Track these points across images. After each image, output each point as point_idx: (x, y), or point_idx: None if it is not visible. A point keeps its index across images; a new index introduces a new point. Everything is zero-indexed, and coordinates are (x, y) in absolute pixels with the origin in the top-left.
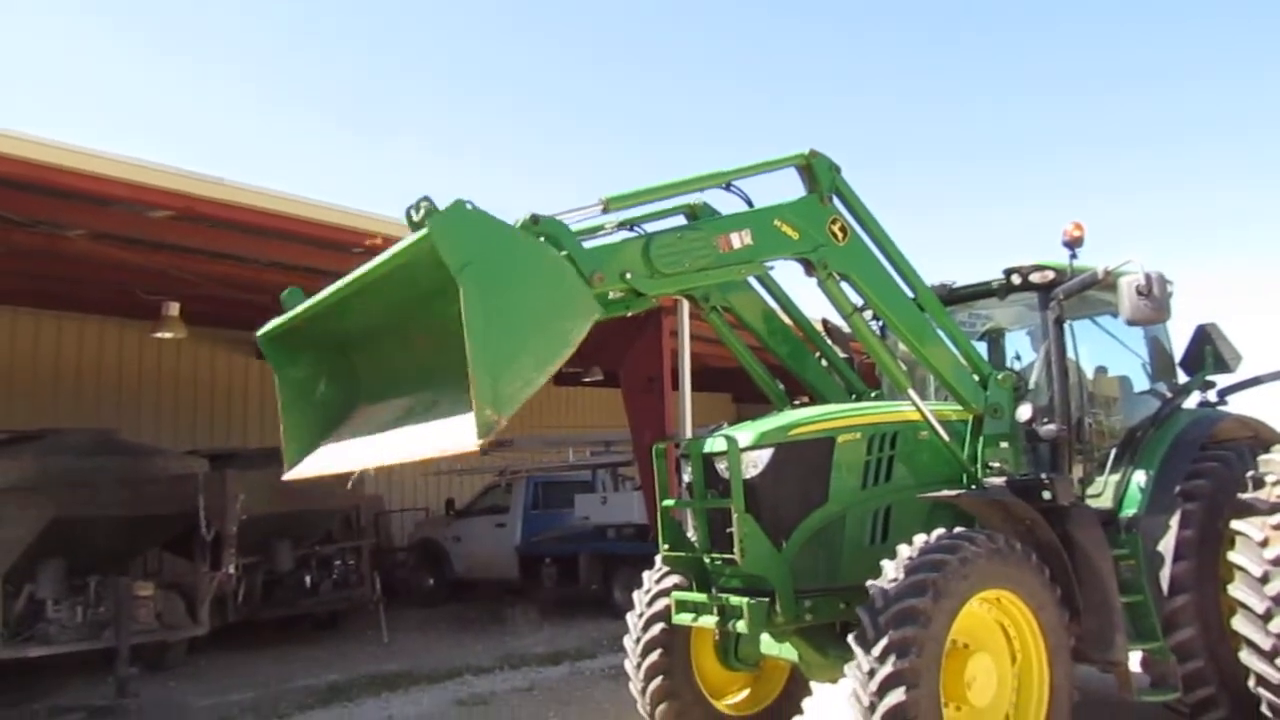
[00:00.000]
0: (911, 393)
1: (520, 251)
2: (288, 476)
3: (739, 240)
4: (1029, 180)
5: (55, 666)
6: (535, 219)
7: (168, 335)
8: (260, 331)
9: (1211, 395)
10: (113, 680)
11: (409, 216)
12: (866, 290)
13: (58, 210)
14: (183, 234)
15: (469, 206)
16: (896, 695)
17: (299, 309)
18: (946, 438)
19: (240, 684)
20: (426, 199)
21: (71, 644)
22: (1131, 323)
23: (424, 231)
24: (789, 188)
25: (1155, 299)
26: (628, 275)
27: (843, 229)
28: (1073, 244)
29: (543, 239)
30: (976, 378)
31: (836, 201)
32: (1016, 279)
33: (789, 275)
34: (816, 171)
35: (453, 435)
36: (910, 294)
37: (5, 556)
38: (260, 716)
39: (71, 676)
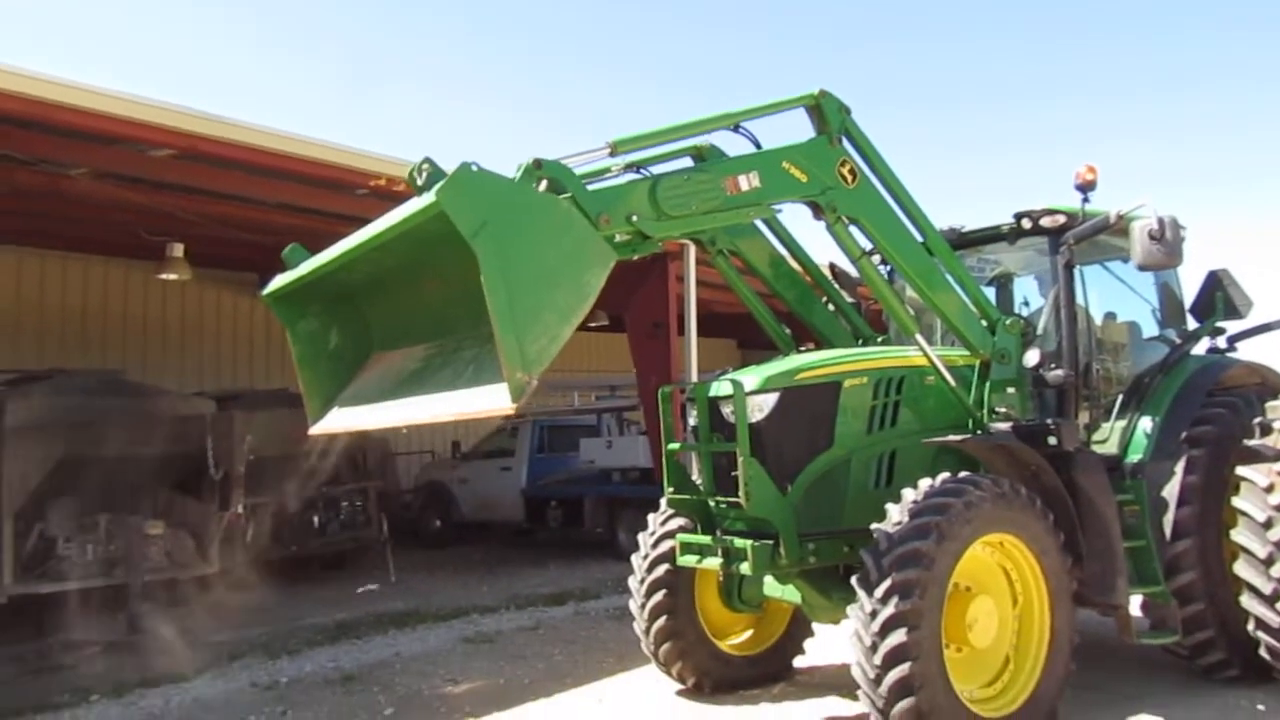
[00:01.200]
0: (919, 337)
1: (531, 208)
2: (314, 431)
3: (746, 182)
4: (1042, 125)
5: (68, 603)
6: (538, 163)
7: (172, 276)
8: (265, 291)
9: (1221, 342)
10: (125, 616)
11: (412, 179)
12: (875, 234)
13: (59, 148)
14: (185, 173)
15: (474, 169)
16: (898, 636)
17: (304, 269)
18: (953, 383)
19: (250, 621)
20: (428, 161)
21: (83, 580)
22: (1143, 268)
23: (431, 199)
24: (798, 130)
25: (1168, 243)
26: (634, 218)
27: (852, 171)
28: (1085, 188)
29: (547, 185)
30: (985, 323)
31: (846, 143)
32: (1027, 223)
33: (796, 219)
34: (826, 112)
35: (488, 398)
36: (919, 238)
37: (15, 495)
38: (270, 653)
39: (85, 612)
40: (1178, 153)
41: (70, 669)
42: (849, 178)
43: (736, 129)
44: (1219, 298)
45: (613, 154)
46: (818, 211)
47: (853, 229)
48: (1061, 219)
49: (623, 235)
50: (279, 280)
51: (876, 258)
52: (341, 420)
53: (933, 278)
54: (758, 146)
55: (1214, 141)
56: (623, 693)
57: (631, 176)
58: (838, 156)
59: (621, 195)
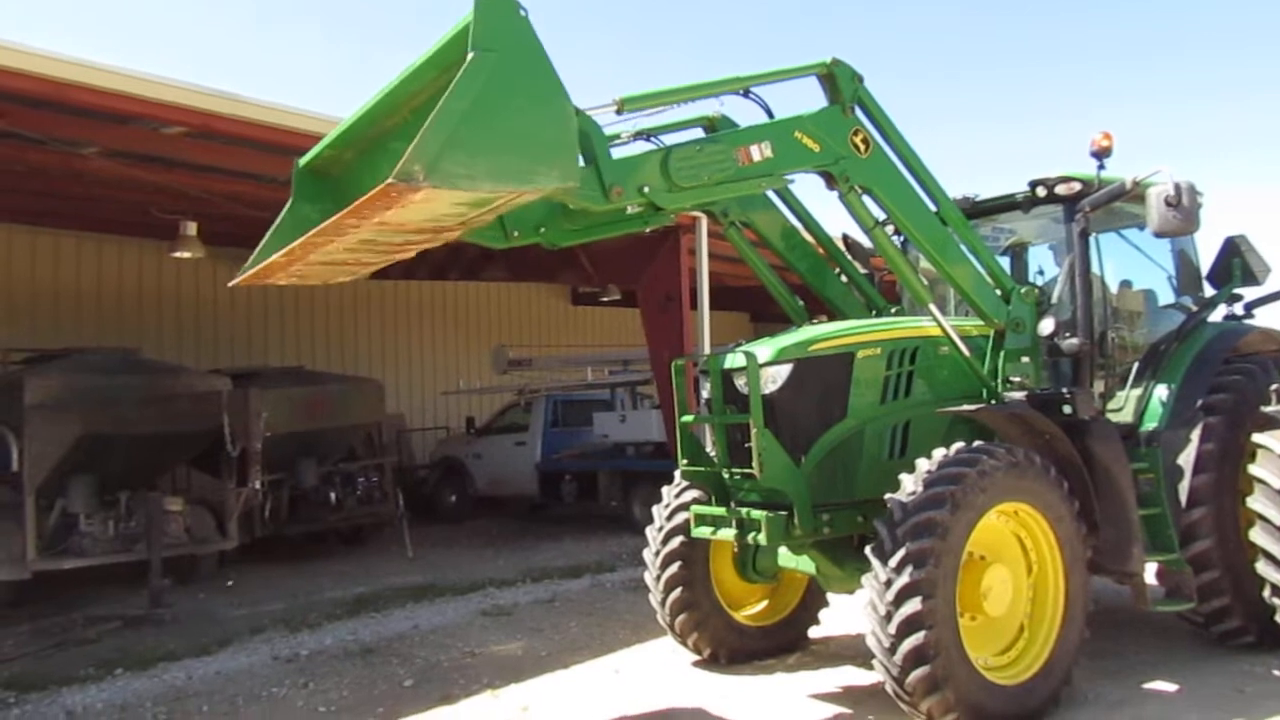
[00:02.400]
0: (932, 307)
1: (543, 81)
2: (234, 283)
3: (759, 153)
4: (1058, 93)
5: (90, 579)
6: (575, 111)
7: (186, 255)
8: (302, 160)
9: (1238, 308)
10: (146, 592)
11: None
12: (889, 204)
13: (72, 127)
14: (198, 151)
15: (523, 11)
16: (913, 605)
17: (336, 131)
18: (967, 352)
19: (270, 596)
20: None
21: (104, 556)
22: (1159, 234)
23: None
24: (810, 100)
25: (1184, 210)
26: (645, 189)
27: (865, 141)
28: (1100, 154)
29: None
30: (999, 292)
31: (859, 112)
32: (1042, 191)
33: (808, 191)
34: (839, 81)
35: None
36: (933, 207)
37: (36, 472)
38: (291, 627)
39: (106, 588)
40: (1195, 119)
41: (93, 643)
42: (862, 147)
43: (747, 94)
44: (1236, 264)
45: (619, 111)
46: (830, 181)
47: (866, 199)
48: (1077, 186)
49: (635, 206)
50: (314, 150)
51: (890, 228)
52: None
53: (946, 248)
54: (769, 114)
55: (1233, 107)
56: (639, 664)
57: (644, 146)
58: (850, 126)
59: (634, 166)
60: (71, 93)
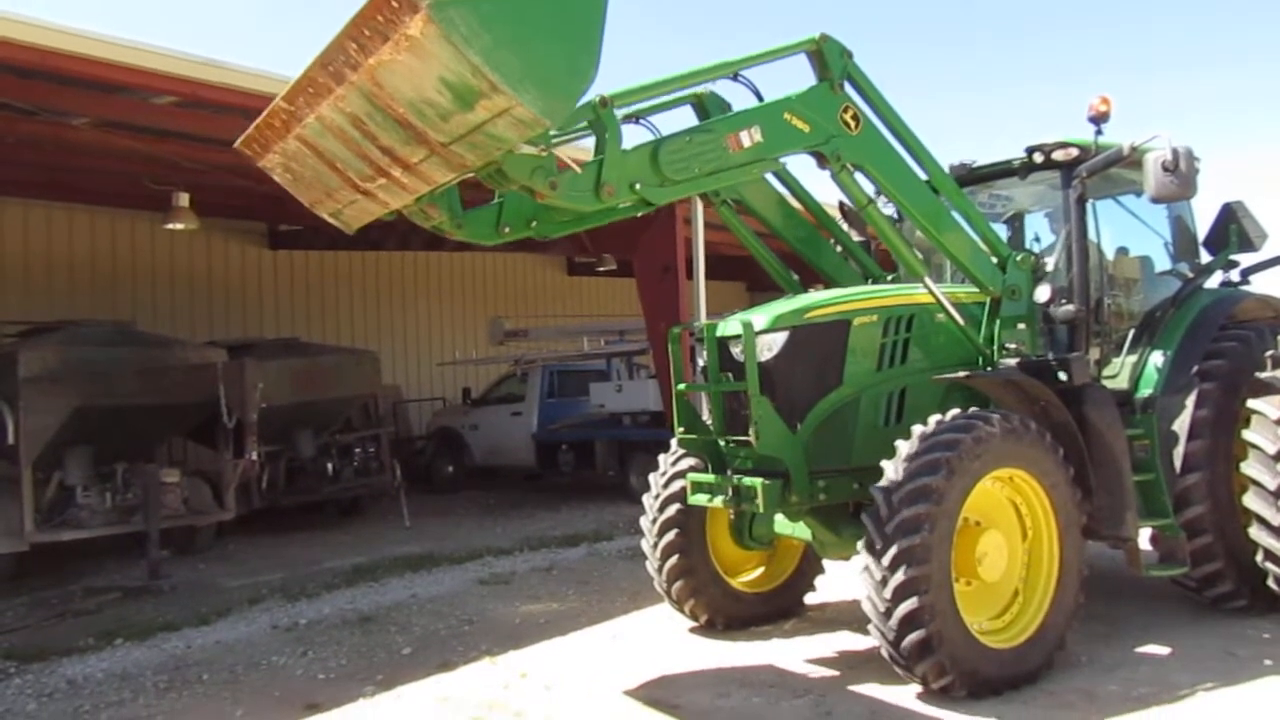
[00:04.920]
0: (927, 280)
1: (586, 28)
2: (238, 144)
3: (749, 138)
4: (1054, 60)
5: (88, 551)
6: (604, 101)
7: (179, 226)
8: None
9: (1234, 275)
10: (145, 563)
11: None
12: (880, 178)
13: (61, 98)
14: (188, 121)
15: None
16: (908, 570)
17: None
18: (961, 322)
19: (268, 566)
20: None
21: (102, 528)
22: (1156, 199)
23: None
24: (799, 77)
25: (1181, 174)
26: (637, 186)
27: (855, 117)
28: (1098, 119)
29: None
30: (995, 260)
31: (848, 87)
32: (1039, 157)
33: (800, 162)
34: (827, 57)
35: None
36: (925, 177)
37: (32, 445)
38: (289, 596)
39: (105, 560)
40: (1196, 84)
41: (93, 614)
42: (852, 124)
43: (735, 78)
44: (1233, 230)
45: (603, 107)
46: (822, 161)
47: (858, 175)
48: (1074, 152)
49: (626, 202)
50: None
51: (883, 199)
52: None
53: (940, 219)
54: (759, 97)
55: (1233, 72)
56: (636, 630)
57: (633, 131)
58: (840, 103)
59: (623, 163)
60: (59, 61)
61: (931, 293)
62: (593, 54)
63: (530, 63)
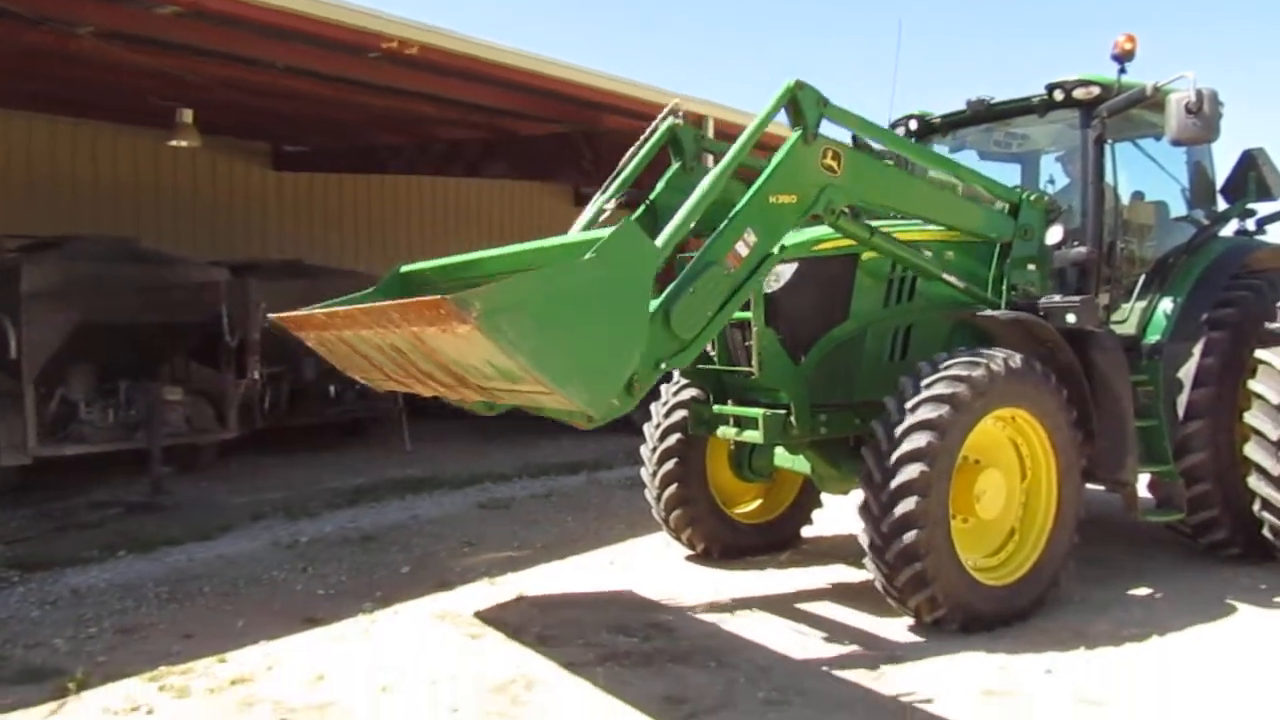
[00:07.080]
0: (947, 276)
1: (631, 321)
2: (274, 317)
3: (745, 246)
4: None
5: (92, 466)
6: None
7: (183, 143)
8: (404, 267)
9: (1250, 224)
10: (148, 479)
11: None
12: (876, 203)
13: (64, 6)
14: (192, 33)
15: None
16: (906, 504)
17: (449, 260)
18: (962, 286)
19: (270, 485)
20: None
21: (104, 444)
22: (1176, 142)
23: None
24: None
25: (1204, 117)
26: (663, 364)
27: (835, 156)
28: (1122, 57)
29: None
30: (1005, 207)
31: (824, 125)
32: (1059, 94)
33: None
34: (803, 106)
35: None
36: (910, 166)
37: (35, 360)
38: (290, 514)
39: (108, 476)
40: (1227, 31)
41: (96, 527)
42: (835, 166)
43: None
44: (1252, 178)
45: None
46: (817, 218)
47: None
48: (1095, 90)
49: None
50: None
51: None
52: None
53: (943, 207)
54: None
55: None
56: (633, 557)
57: None
58: (816, 152)
59: (649, 348)
60: None
61: (952, 286)
62: (637, 341)
63: (577, 362)
